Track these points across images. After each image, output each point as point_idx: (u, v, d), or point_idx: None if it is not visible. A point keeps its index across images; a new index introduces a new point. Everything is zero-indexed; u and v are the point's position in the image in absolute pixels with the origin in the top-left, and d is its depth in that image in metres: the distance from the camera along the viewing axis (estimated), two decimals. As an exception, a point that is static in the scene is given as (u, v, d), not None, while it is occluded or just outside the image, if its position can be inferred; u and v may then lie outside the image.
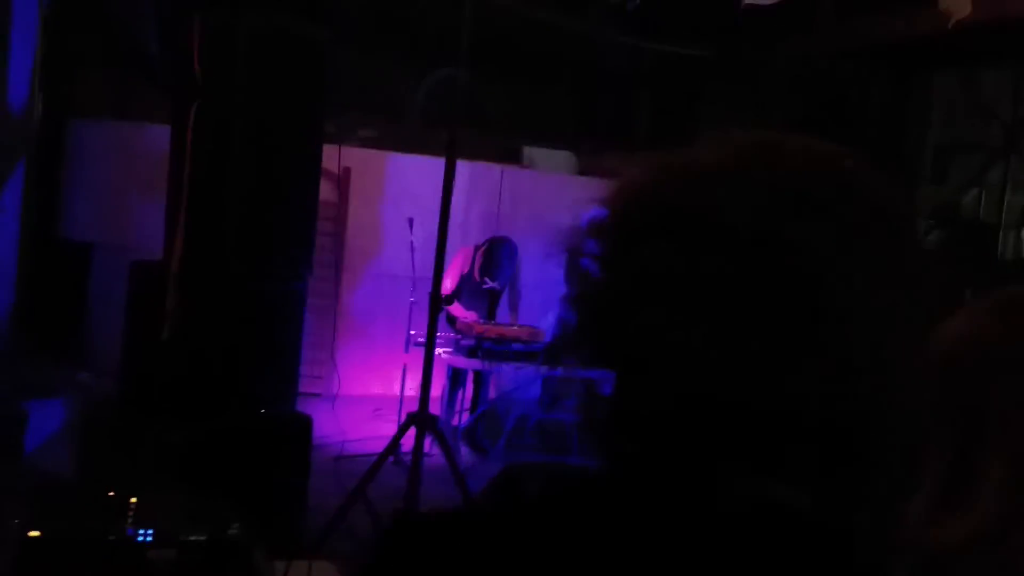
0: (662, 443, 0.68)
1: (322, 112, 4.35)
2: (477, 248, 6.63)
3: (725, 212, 0.65)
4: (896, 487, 0.69)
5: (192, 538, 2.10)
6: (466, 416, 6.41)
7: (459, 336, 6.20)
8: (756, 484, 0.65)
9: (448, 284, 6.10)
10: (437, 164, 8.24)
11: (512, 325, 6.40)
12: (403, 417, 6.32)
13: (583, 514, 0.70)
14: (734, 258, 0.63)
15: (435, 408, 5.40)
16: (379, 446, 6.31)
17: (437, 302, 4.21)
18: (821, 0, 7.12)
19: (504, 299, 6.83)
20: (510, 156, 9.50)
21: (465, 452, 6.24)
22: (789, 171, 0.68)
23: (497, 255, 6.48)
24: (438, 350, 6.23)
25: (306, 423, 4.27)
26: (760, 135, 0.73)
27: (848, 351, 0.63)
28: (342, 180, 7.75)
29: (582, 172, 9.84)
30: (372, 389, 8.02)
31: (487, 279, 6.54)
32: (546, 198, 8.55)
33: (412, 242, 6.32)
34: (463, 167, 8.08)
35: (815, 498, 0.66)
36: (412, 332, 6.28)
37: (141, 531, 2.07)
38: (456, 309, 6.38)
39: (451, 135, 4.25)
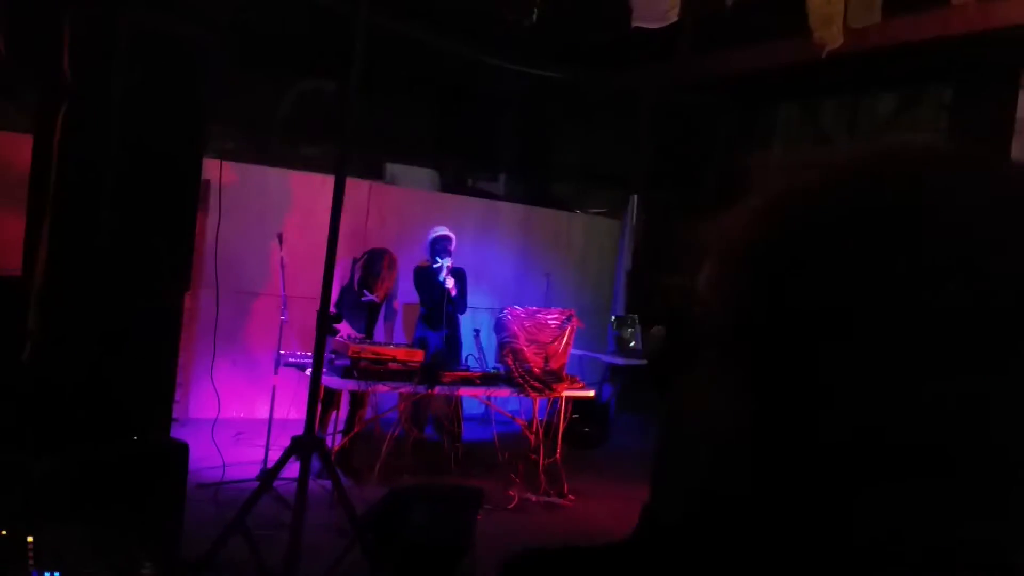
0: (835, 485, 0.59)
1: (202, 119, 4.13)
2: (355, 261, 6.48)
3: (950, 216, 0.59)
4: None
5: (104, 580, 1.90)
6: (339, 438, 6.21)
7: (333, 355, 6.00)
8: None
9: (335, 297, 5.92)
10: (302, 178, 8.07)
11: (388, 344, 6.26)
12: (272, 441, 6.08)
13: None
14: (957, 267, 0.57)
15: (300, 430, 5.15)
16: (245, 472, 6.05)
17: (326, 320, 4.05)
18: (682, 31, 7.37)
19: (381, 313, 6.71)
20: (372, 172, 9.38)
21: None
22: (992, 173, 0.63)
23: (377, 267, 6.35)
24: (309, 370, 6.01)
25: (182, 450, 4.01)
26: (918, 138, 0.67)
27: None
28: (200, 193, 7.41)
29: (444, 189, 9.84)
30: (229, 412, 7.68)
31: (366, 291, 6.39)
32: (412, 214, 8.47)
33: (282, 258, 6.09)
34: (330, 182, 7.90)
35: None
36: (282, 352, 6.04)
37: (47, 574, 1.85)
38: (343, 327, 6.19)
39: (342, 151, 4.12)
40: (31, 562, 1.91)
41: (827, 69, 7.59)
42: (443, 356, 6.55)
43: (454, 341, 6.97)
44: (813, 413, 0.60)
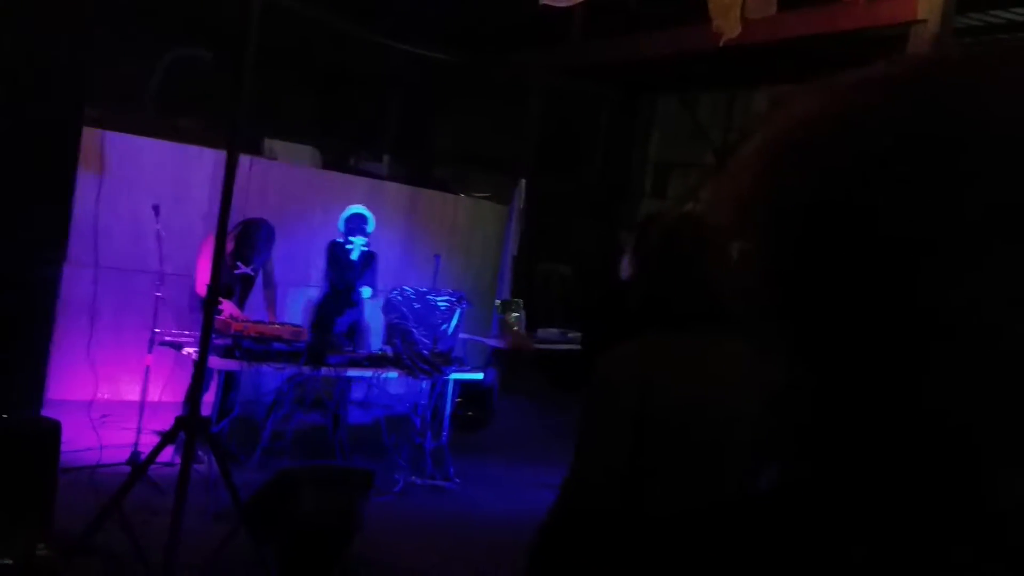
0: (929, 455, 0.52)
1: (83, 83, 3.89)
2: (228, 233, 6.23)
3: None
4: None
5: (-4, 564, 1.74)
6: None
7: (214, 334, 5.76)
8: None
9: (206, 275, 5.65)
10: (176, 150, 7.72)
11: (272, 323, 6.04)
12: (144, 423, 5.80)
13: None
14: None
15: (167, 413, 4.87)
16: (114, 456, 5.74)
17: (216, 296, 3.87)
18: (573, 17, 7.40)
19: (259, 295, 6.45)
20: (249, 147, 9.08)
21: (211, 460, 5.81)
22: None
23: (253, 238, 6.09)
24: (187, 349, 5.76)
25: (54, 430, 3.78)
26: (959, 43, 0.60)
27: None
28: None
29: (326, 167, 9.63)
30: (94, 394, 7.30)
31: (240, 264, 6.13)
32: (295, 191, 8.25)
33: (159, 231, 5.80)
34: (210, 155, 7.60)
35: None
36: (157, 330, 5.77)
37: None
38: (227, 305, 5.94)
39: (234, 124, 3.93)
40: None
41: (707, 63, 7.77)
42: (343, 340, 6.35)
43: (359, 326, 6.77)
44: (908, 381, 0.52)
